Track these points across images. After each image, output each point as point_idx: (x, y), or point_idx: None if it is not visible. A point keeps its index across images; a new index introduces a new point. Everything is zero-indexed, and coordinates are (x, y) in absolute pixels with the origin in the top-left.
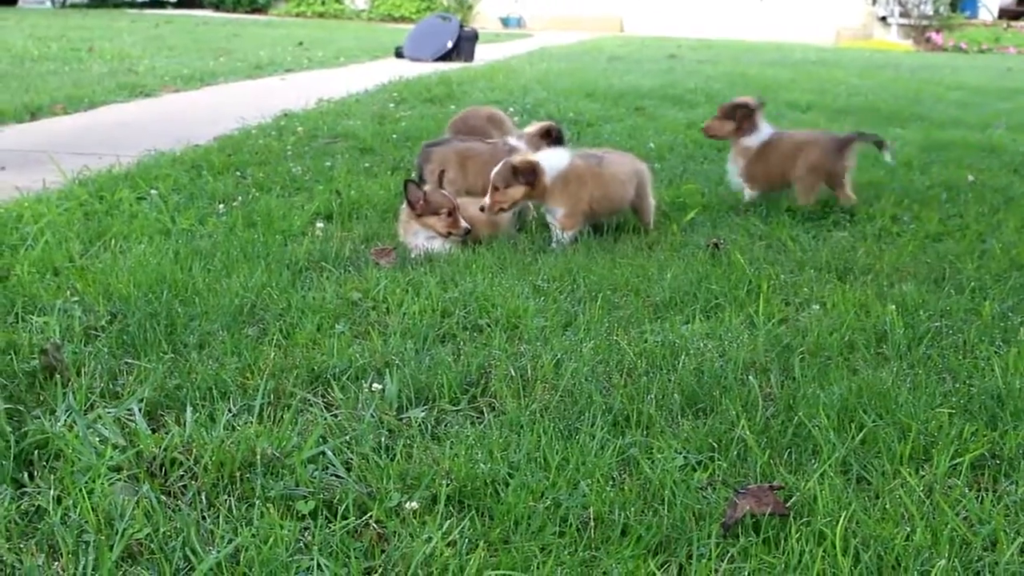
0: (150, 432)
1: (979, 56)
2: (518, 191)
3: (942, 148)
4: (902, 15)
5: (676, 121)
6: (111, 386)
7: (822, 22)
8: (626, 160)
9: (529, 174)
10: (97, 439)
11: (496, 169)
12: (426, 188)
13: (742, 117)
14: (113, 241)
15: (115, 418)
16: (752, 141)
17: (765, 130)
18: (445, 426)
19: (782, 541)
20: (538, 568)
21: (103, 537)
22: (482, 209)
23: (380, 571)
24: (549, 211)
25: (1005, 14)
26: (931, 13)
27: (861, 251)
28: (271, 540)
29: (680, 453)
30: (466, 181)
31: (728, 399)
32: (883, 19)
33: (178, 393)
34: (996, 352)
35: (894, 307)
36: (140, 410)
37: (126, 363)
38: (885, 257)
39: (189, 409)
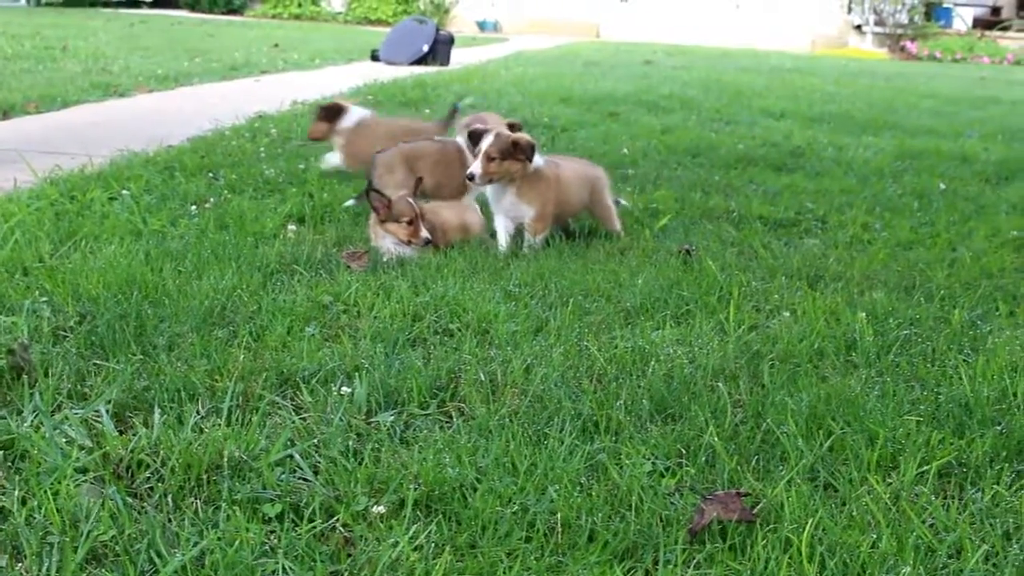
0: (117, 434)
1: (953, 65)
2: (514, 166)
3: (914, 156)
4: (877, 24)
5: (650, 127)
6: (79, 387)
7: (798, 29)
8: (579, 166)
9: (529, 151)
10: (63, 440)
11: (490, 140)
12: (400, 193)
13: (334, 114)
14: (84, 241)
15: (82, 419)
16: (346, 123)
17: (356, 113)
18: (414, 430)
19: (748, 548)
20: (505, 573)
21: (68, 539)
22: (470, 178)
23: (346, 575)
24: (516, 209)
25: (979, 24)
26: (906, 22)
27: (832, 258)
28: (237, 543)
29: (648, 459)
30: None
31: (697, 405)
32: (858, 27)
33: (146, 395)
34: (964, 360)
35: (864, 315)
36: (107, 411)
37: (94, 364)
38: (856, 265)
39: (157, 411)
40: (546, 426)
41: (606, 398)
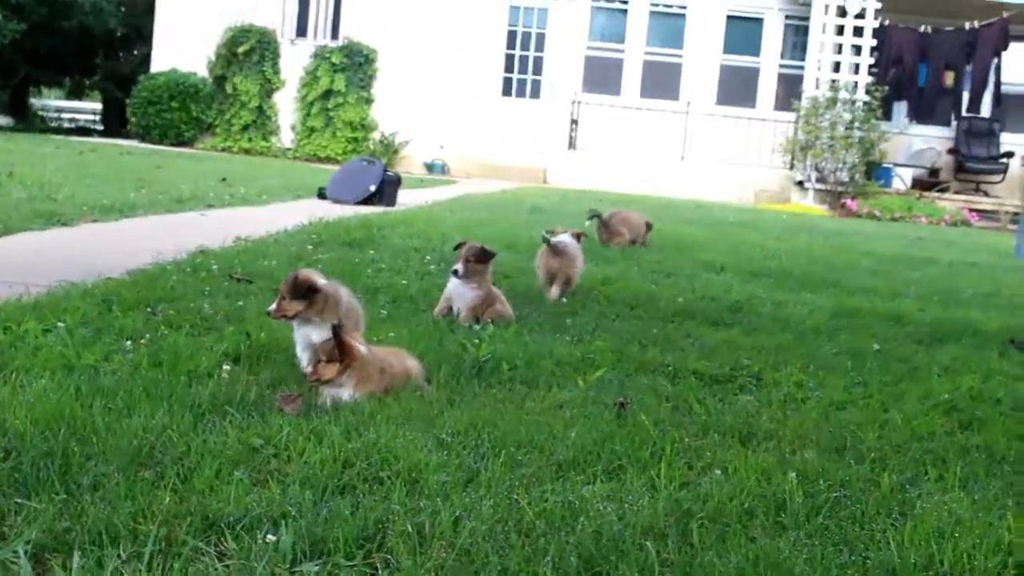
0: None
1: (892, 224)
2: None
3: (851, 315)
4: (819, 180)
5: (591, 276)
6: None
7: (742, 183)
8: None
9: None
10: None
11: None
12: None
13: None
14: (14, 374)
15: None
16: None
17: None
18: None
19: None
20: None
21: None
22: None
23: None
24: None
25: (918, 184)
26: (847, 180)
27: (765, 416)
28: None
29: None
30: None
31: (625, 564)
32: (800, 183)
33: (67, 536)
34: (892, 525)
35: (795, 475)
36: (26, 553)
37: (16, 502)
38: (789, 424)
39: (76, 554)
40: None
41: (534, 554)
